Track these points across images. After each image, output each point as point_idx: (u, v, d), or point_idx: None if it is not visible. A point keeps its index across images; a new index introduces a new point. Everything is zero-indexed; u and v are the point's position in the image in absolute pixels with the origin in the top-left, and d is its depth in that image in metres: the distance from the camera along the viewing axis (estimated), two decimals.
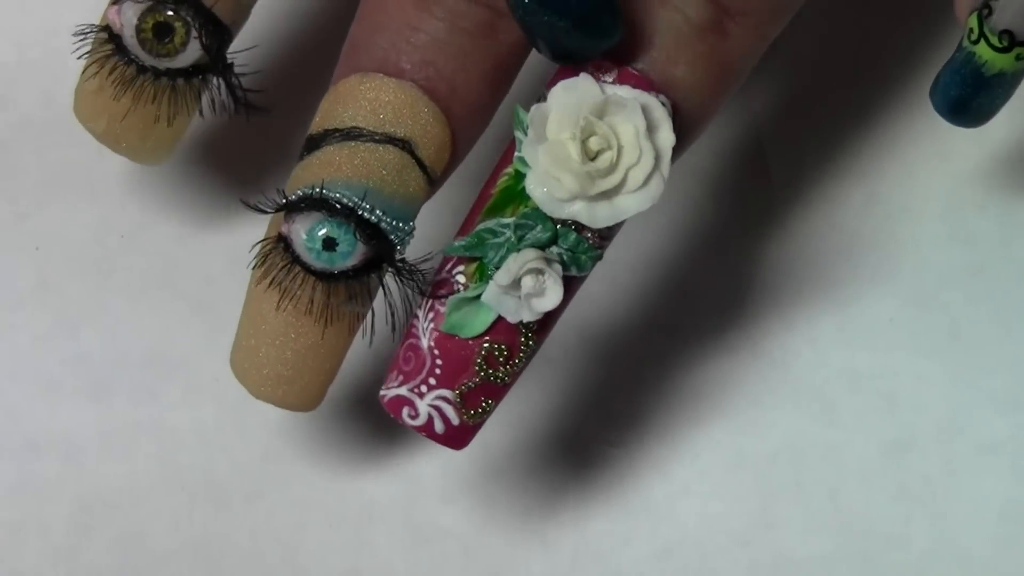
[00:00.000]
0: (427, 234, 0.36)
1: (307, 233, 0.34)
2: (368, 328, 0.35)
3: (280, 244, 0.34)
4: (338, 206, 0.34)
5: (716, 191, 0.43)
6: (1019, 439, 0.41)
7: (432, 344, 0.34)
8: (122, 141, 0.37)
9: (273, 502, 0.41)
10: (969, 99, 0.34)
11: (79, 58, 0.37)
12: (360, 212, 0.34)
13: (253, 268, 0.35)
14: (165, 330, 0.42)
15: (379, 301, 0.35)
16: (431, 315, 0.34)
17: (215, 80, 0.36)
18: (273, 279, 0.34)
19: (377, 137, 0.34)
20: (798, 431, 0.41)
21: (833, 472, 0.41)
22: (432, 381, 0.34)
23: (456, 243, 0.34)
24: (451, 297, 0.34)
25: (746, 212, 0.42)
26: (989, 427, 0.41)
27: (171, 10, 0.36)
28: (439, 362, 0.34)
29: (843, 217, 0.42)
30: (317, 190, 0.34)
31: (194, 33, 0.36)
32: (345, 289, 0.34)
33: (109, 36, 0.36)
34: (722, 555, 0.41)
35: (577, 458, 0.41)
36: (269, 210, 0.34)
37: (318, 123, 0.35)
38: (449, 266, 0.34)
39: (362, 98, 0.34)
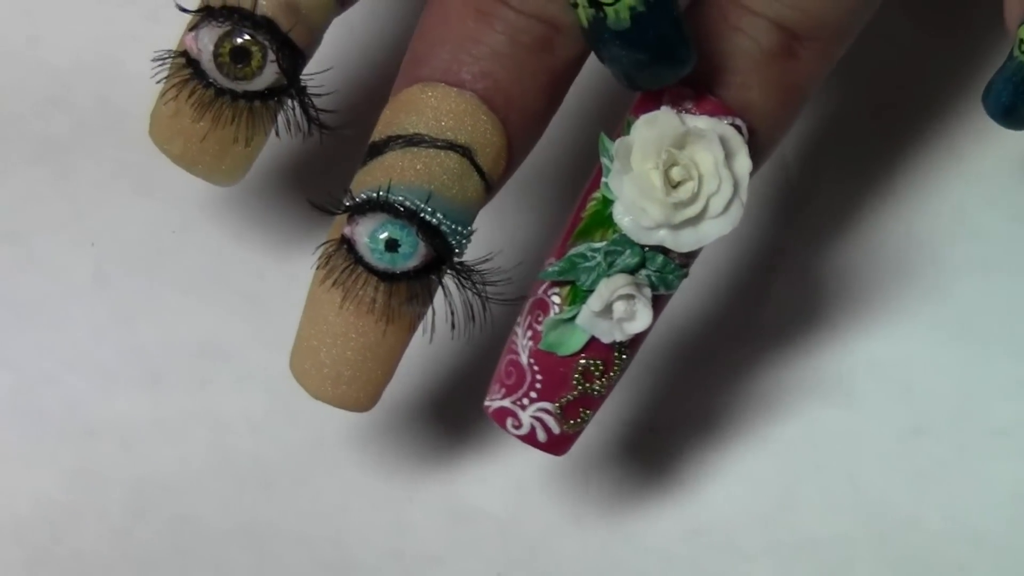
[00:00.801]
0: (484, 237, 0.37)
1: (370, 235, 0.35)
2: (429, 327, 0.36)
3: (343, 245, 0.35)
4: (401, 209, 0.34)
5: None
6: None
7: (532, 360, 0.36)
8: (198, 163, 0.38)
9: (319, 486, 0.42)
10: (1020, 105, 0.36)
11: (157, 82, 0.37)
12: (422, 215, 0.34)
13: (316, 269, 0.36)
14: (216, 322, 0.43)
15: (440, 301, 0.36)
16: (529, 333, 0.36)
17: (289, 101, 0.37)
18: (336, 279, 0.35)
19: (439, 143, 0.35)
20: (818, 417, 0.42)
21: (851, 456, 0.42)
22: (533, 395, 0.36)
23: (550, 268, 0.36)
24: (548, 318, 0.35)
25: (769, 212, 0.44)
26: (1000, 412, 0.42)
27: (248, 35, 0.36)
28: (539, 377, 0.36)
29: (861, 215, 0.44)
30: (381, 193, 0.35)
31: (271, 56, 0.36)
32: (406, 289, 0.35)
33: (187, 61, 0.37)
34: (746, 535, 0.42)
35: (608, 441, 0.43)
36: (336, 211, 0.35)
37: (381, 130, 0.36)
38: (544, 287, 0.36)
39: (424, 106, 0.35)
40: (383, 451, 0.42)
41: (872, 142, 0.44)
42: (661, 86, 0.34)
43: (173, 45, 0.44)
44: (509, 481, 0.42)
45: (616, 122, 0.37)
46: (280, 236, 0.44)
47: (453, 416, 0.43)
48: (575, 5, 0.33)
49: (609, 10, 0.33)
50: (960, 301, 0.43)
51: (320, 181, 0.43)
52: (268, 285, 0.43)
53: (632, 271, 0.35)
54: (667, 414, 0.42)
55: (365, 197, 0.35)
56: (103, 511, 0.42)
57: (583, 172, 0.38)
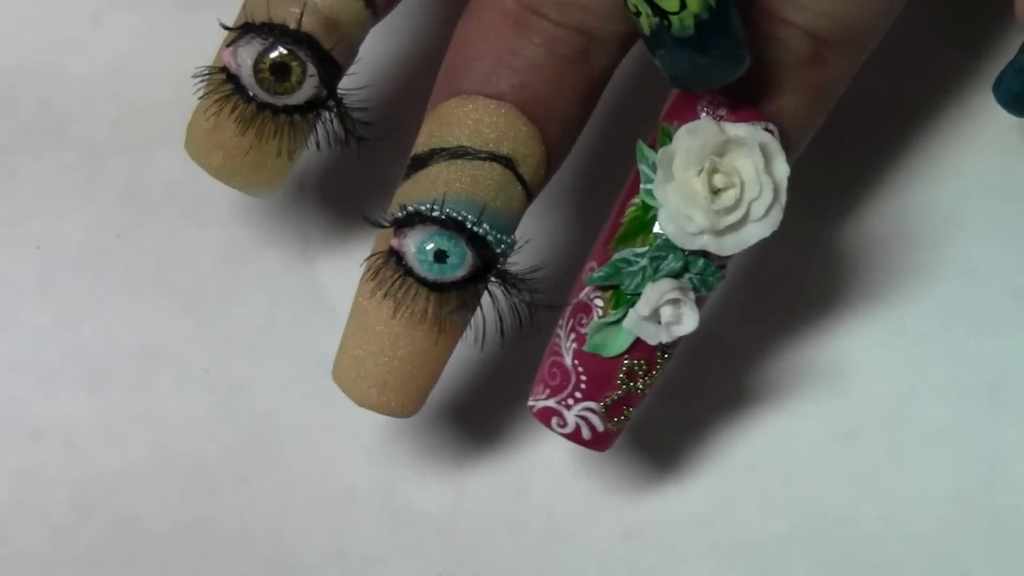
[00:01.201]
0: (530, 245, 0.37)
1: (419, 246, 0.35)
2: (480, 335, 0.37)
3: (392, 258, 0.36)
4: (448, 220, 0.35)
5: None
6: (961, 427, 0.42)
7: (576, 361, 0.37)
8: (238, 175, 0.38)
9: (261, 486, 0.42)
10: None
11: (199, 98, 0.37)
12: (469, 225, 0.35)
13: (363, 281, 0.37)
14: (158, 324, 0.43)
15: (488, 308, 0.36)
16: (572, 335, 0.37)
17: (327, 114, 0.37)
18: (387, 291, 0.36)
19: (482, 155, 0.36)
20: (753, 418, 0.43)
21: (787, 457, 0.43)
22: (578, 395, 0.37)
23: (594, 274, 0.37)
24: (593, 322, 0.36)
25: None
26: (934, 414, 0.43)
27: (287, 49, 0.36)
28: (583, 377, 0.37)
29: (795, 219, 0.43)
30: (430, 206, 0.35)
31: (310, 71, 0.37)
32: (455, 298, 0.36)
33: (227, 76, 0.37)
34: (682, 536, 0.42)
35: (544, 444, 0.43)
36: (385, 224, 0.36)
37: (423, 142, 0.36)
38: (586, 292, 0.37)
39: (466, 118, 0.36)
40: (324, 452, 0.43)
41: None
42: (713, 88, 0.35)
43: (115, 49, 0.44)
44: (448, 482, 0.43)
45: (647, 124, 0.38)
46: (222, 238, 0.44)
47: (394, 418, 0.43)
48: (637, 14, 0.34)
49: (674, 19, 0.33)
50: (895, 304, 0.43)
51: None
52: (210, 287, 0.44)
53: (676, 275, 0.36)
54: None
55: (414, 210, 0.35)
56: (46, 511, 0.42)
57: (600, 177, 0.38)
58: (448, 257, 0.35)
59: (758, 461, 0.43)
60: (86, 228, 0.44)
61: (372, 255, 0.36)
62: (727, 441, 0.43)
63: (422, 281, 0.36)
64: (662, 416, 0.43)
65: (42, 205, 0.44)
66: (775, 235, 0.43)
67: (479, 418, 0.42)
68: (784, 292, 0.43)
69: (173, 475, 0.43)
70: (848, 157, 0.44)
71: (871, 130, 0.44)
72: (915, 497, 0.42)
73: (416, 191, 0.36)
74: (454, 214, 0.35)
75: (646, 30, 0.34)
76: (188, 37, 0.42)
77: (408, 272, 0.36)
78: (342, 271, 0.43)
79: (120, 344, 0.43)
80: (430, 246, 0.35)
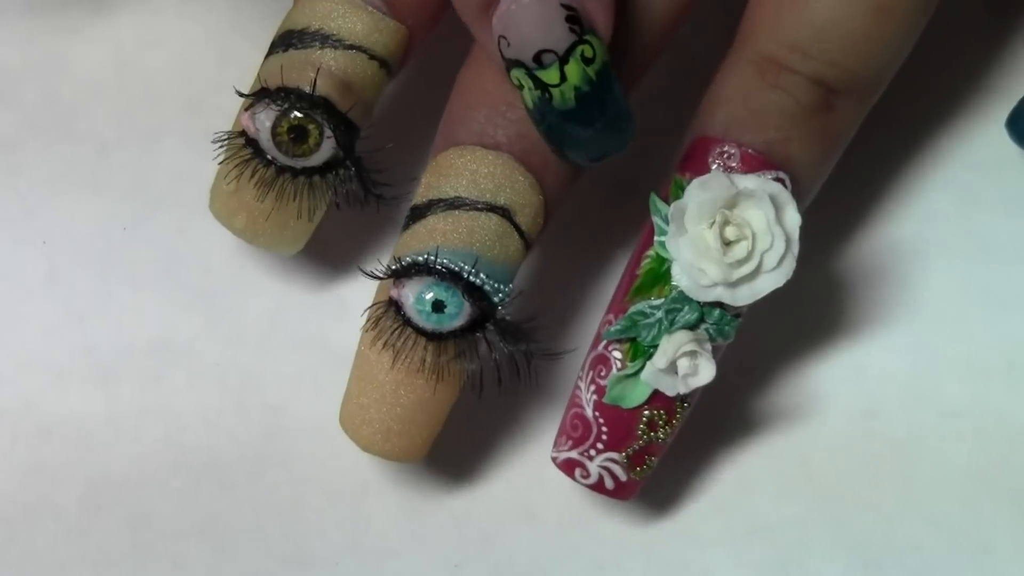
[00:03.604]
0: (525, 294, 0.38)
1: (416, 297, 0.36)
2: (478, 383, 0.37)
3: (391, 308, 0.36)
4: (446, 271, 0.36)
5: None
6: (980, 405, 0.42)
7: (597, 413, 0.37)
8: (261, 235, 0.39)
9: (274, 480, 0.42)
10: None
11: (219, 163, 0.38)
12: (466, 276, 0.36)
13: (363, 331, 0.37)
14: (168, 318, 0.43)
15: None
16: (592, 387, 0.37)
17: (347, 173, 0.38)
18: (386, 341, 0.37)
19: (479, 206, 0.36)
20: (770, 401, 0.43)
21: (804, 439, 0.42)
22: (600, 446, 0.37)
23: (612, 328, 0.37)
24: (612, 374, 0.37)
25: None
26: (951, 393, 0.42)
27: (304, 113, 0.37)
28: (604, 429, 0.37)
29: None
30: (426, 257, 0.36)
31: (327, 133, 0.37)
32: (453, 347, 0.36)
33: (246, 140, 0.38)
34: (701, 521, 0.42)
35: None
36: (382, 276, 0.36)
37: (422, 193, 0.37)
38: (604, 344, 0.37)
39: (464, 169, 0.37)
40: (337, 445, 0.42)
41: None
42: (605, 158, 0.36)
43: (118, 40, 0.44)
44: (463, 473, 0.42)
45: (651, 173, 0.38)
46: (230, 232, 0.43)
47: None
48: (520, 87, 0.35)
49: (555, 91, 0.34)
50: (911, 283, 0.43)
51: None
52: (219, 280, 0.43)
53: (692, 327, 0.36)
54: None
55: (410, 261, 0.36)
56: (58, 509, 0.42)
57: (611, 227, 0.39)
58: (446, 307, 0.36)
59: (775, 444, 0.42)
60: (93, 222, 0.44)
61: (373, 305, 0.37)
62: (743, 425, 0.43)
63: (420, 331, 0.36)
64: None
65: (48, 200, 0.44)
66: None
67: (494, 408, 0.42)
68: (801, 270, 0.43)
69: (186, 471, 0.42)
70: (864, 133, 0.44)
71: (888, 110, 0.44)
72: (935, 477, 0.42)
73: (414, 242, 0.37)
74: (450, 264, 0.36)
75: (529, 104, 0.35)
76: (194, 27, 0.42)
77: (407, 322, 0.36)
78: (352, 262, 0.43)
79: (130, 339, 0.43)
80: (428, 295, 0.36)
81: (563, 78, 0.34)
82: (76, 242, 0.43)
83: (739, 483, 0.42)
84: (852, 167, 0.44)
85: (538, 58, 0.34)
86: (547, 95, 0.34)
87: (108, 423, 0.43)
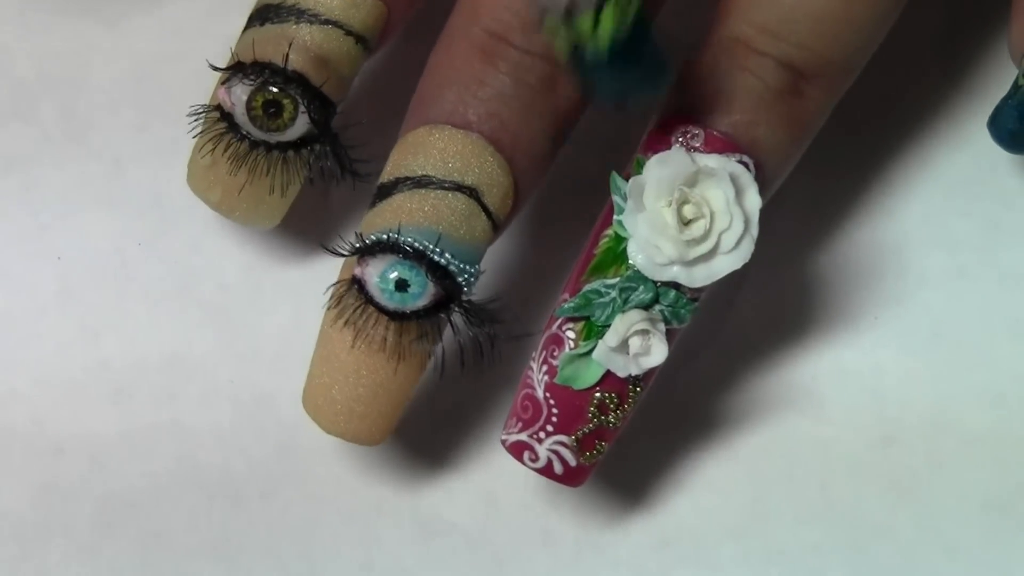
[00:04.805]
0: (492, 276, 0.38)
1: (380, 275, 0.36)
2: (439, 364, 0.37)
3: (354, 286, 0.36)
4: (410, 250, 0.35)
5: None
6: (1000, 432, 0.42)
7: (548, 394, 0.37)
8: (236, 210, 0.39)
9: (288, 499, 0.42)
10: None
11: (193, 137, 0.38)
12: (430, 255, 0.35)
13: (327, 309, 0.37)
14: (182, 335, 0.43)
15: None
16: (544, 367, 0.37)
17: (322, 149, 0.38)
18: (348, 319, 0.36)
19: (446, 185, 0.36)
20: (789, 426, 0.42)
21: (822, 466, 0.42)
22: (550, 428, 0.37)
23: (565, 305, 0.36)
24: (563, 353, 0.36)
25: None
26: (971, 421, 0.42)
27: (279, 87, 0.37)
28: (555, 411, 0.37)
29: (828, 222, 0.43)
30: (390, 235, 0.36)
31: (302, 108, 0.37)
32: (416, 328, 0.36)
33: (221, 115, 0.38)
34: (717, 546, 0.42)
35: None
36: (345, 253, 0.36)
37: (389, 171, 0.37)
38: (558, 323, 0.37)
39: (432, 148, 0.36)
40: (352, 464, 0.42)
41: (843, 150, 0.44)
42: (638, 105, 0.35)
43: (134, 55, 0.44)
44: (478, 494, 0.42)
45: (624, 159, 0.37)
46: (245, 248, 0.43)
47: (422, 428, 0.42)
48: (554, 36, 0.34)
49: (589, 39, 0.33)
50: (931, 309, 0.43)
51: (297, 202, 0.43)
52: (234, 297, 0.43)
53: (646, 307, 0.36)
54: (635, 426, 0.42)
55: (375, 239, 0.36)
56: (71, 527, 0.42)
57: (584, 208, 0.38)
58: (409, 286, 0.36)
59: (793, 469, 0.42)
60: (108, 238, 0.43)
61: (335, 283, 0.37)
62: (760, 449, 0.42)
63: (382, 310, 0.36)
64: (695, 425, 0.42)
65: (63, 215, 0.43)
66: (805, 241, 0.43)
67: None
68: (817, 299, 0.43)
69: (198, 489, 0.42)
70: (867, 157, 0.44)
71: (883, 125, 0.44)
72: (954, 505, 0.42)
73: (379, 220, 0.36)
74: (415, 243, 0.35)
75: (564, 53, 0.34)
76: (210, 42, 0.42)
77: (369, 301, 0.36)
78: None
79: (143, 356, 0.43)
80: (393, 275, 0.36)
81: (597, 24, 0.33)
82: (91, 258, 0.43)
83: (756, 508, 0.42)
84: (867, 195, 0.43)
85: (572, 5, 0.33)
86: (581, 43, 0.33)
87: (121, 440, 0.42)
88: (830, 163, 0.43)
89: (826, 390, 0.42)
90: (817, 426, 0.42)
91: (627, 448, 0.42)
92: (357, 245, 0.36)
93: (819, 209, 0.43)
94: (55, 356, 0.43)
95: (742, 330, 0.43)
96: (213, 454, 0.42)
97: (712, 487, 0.42)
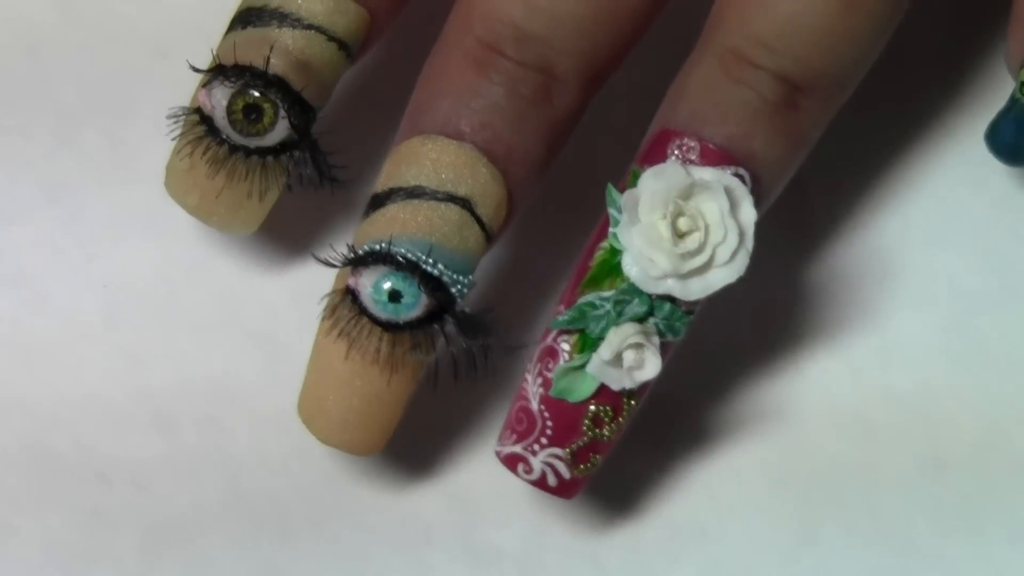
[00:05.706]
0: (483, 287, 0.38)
1: (373, 286, 0.36)
2: (434, 375, 0.37)
3: (347, 296, 0.36)
4: (403, 260, 0.36)
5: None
6: None
7: (542, 407, 0.37)
8: (214, 215, 0.39)
9: (336, 528, 0.42)
10: (1022, 145, 0.38)
11: (172, 139, 0.38)
12: (423, 266, 0.36)
13: (321, 320, 0.37)
14: (229, 361, 0.43)
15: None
16: (539, 380, 0.37)
17: (302, 156, 0.38)
18: (341, 330, 0.36)
19: (439, 196, 0.36)
20: (838, 450, 0.42)
21: (871, 490, 0.42)
22: (544, 440, 0.37)
23: (560, 317, 0.36)
24: (558, 366, 0.36)
25: (786, 238, 0.43)
26: (1023, 445, 0.42)
27: (259, 92, 0.37)
28: (549, 423, 0.37)
29: (880, 243, 0.43)
30: (383, 245, 0.36)
31: (282, 113, 0.37)
32: (409, 339, 0.36)
33: (201, 118, 0.38)
34: (767, 570, 0.42)
35: (625, 481, 0.42)
36: (338, 264, 0.36)
37: (383, 182, 0.37)
38: (553, 335, 0.37)
39: (424, 158, 0.36)
40: (399, 489, 0.42)
41: (892, 171, 0.44)
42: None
43: (181, 81, 0.44)
44: (528, 521, 0.42)
45: (619, 169, 0.37)
46: (292, 274, 0.43)
47: (471, 455, 0.42)
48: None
49: None
50: (980, 331, 0.43)
51: (332, 220, 0.43)
52: (281, 324, 0.43)
53: (641, 320, 0.36)
54: (682, 452, 0.42)
55: (368, 249, 0.36)
56: (117, 556, 0.42)
57: (580, 220, 0.38)
58: (402, 297, 0.36)
59: (844, 495, 0.42)
60: (154, 265, 0.43)
61: (329, 293, 0.37)
62: (809, 474, 0.42)
63: (376, 320, 0.36)
64: (741, 451, 0.42)
65: (109, 242, 0.43)
66: (855, 266, 0.43)
67: None
68: (867, 323, 0.43)
69: (246, 517, 0.42)
70: (927, 182, 0.44)
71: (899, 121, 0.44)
72: (1006, 530, 0.42)
73: (372, 230, 0.36)
74: (408, 254, 0.35)
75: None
76: None
77: (363, 311, 0.36)
78: None
79: (189, 382, 0.43)
80: (386, 285, 0.36)
81: None
82: (136, 285, 0.43)
83: (806, 533, 0.42)
84: (926, 218, 0.43)
85: None
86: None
87: (167, 468, 0.42)
88: (881, 188, 0.44)
89: (876, 413, 0.42)
90: (866, 449, 0.42)
91: (675, 474, 0.42)
92: (350, 256, 0.36)
93: (869, 234, 0.43)
94: (101, 383, 0.43)
95: (792, 355, 0.43)
96: (260, 482, 0.42)
97: (761, 513, 0.42)
